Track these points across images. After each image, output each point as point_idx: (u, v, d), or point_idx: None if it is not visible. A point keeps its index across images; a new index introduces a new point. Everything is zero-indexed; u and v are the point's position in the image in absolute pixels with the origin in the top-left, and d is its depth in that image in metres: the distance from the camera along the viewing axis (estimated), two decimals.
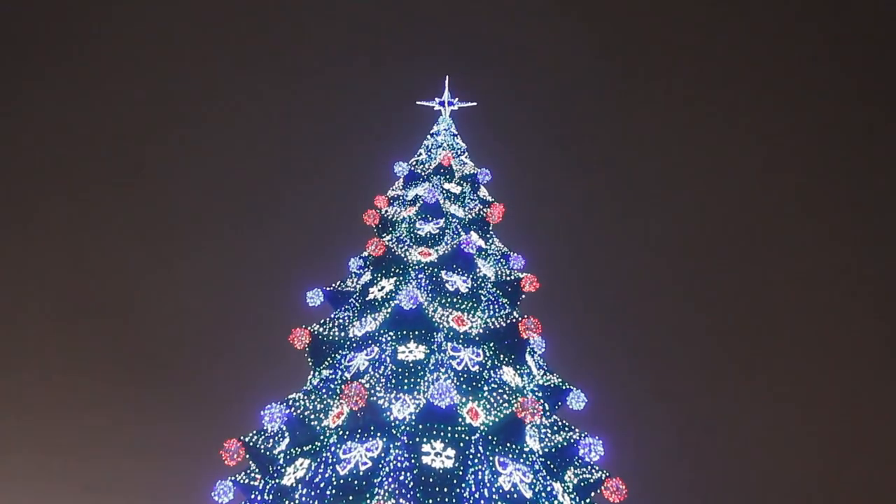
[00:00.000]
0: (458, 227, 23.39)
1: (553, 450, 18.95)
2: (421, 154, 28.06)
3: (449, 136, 29.15)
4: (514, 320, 19.81)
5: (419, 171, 26.29)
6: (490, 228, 24.67)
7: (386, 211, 24.42)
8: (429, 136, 29.45)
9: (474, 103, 31.72)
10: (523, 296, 22.49)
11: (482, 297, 21.18)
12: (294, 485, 17.09)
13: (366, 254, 22.88)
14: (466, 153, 28.52)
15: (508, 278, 22.60)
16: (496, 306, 21.32)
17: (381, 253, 21.49)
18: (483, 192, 26.57)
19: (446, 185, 25.41)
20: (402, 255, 21.77)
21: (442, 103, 31.39)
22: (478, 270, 21.84)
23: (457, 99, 31.39)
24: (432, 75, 34.18)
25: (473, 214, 24.47)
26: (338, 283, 22.95)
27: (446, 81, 31.71)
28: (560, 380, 21.21)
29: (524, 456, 17.69)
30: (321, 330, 20.92)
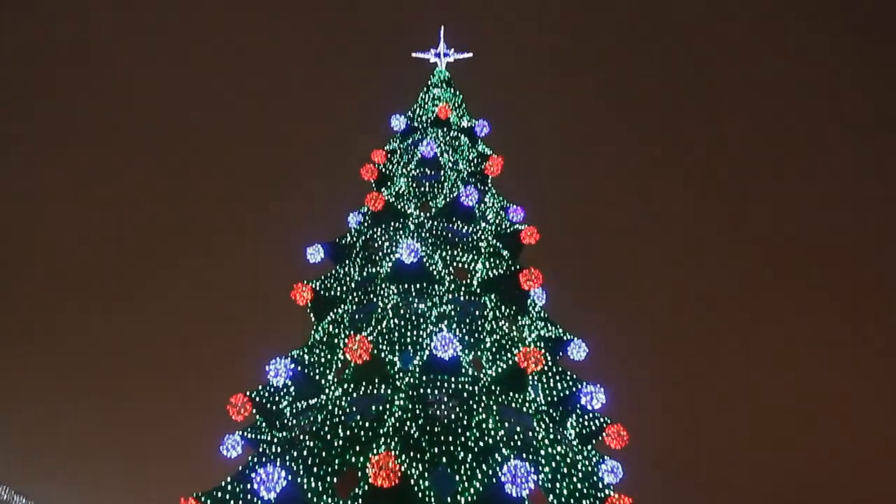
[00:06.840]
0: (458, 180, 23.20)
1: (555, 398, 19.19)
2: (418, 107, 27.63)
3: (446, 89, 28.67)
4: (514, 272, 19.85)
5: (416, 123, 25.96)
6: (489, 181, 24.49)
7: (384, 165, 24.20)
8: (425, 89, 28.95)
9: (470, 54, 30.98)
10: (523, 248, 22.48)
11: (482, 250, 21.18)
12: (301, 437, 17.32)
13: (365, 209, 22.76)
14: (464, 105, 28.09)
15: (508, 230, 22.56)
16: (497, 258, 21.32)
17: (381, 207, 21.39)
18: (482, 144, 26.28)
19: (444, 138, 25.13)
20: (402, 209, 21.67)
21: (438, 55, 30.60)
22: (478, 223, 21.78)
23: (452, 50, 30.57)
24: (427, 26, 33.31)
25: (472, 167, 24.25)
26: (338, 239, 22.90)
27: (441, 32, 30.82)
28: (561, 330, 21.35)
29: (527, 405, 17.92)
30: (323, 285, 20.94)
